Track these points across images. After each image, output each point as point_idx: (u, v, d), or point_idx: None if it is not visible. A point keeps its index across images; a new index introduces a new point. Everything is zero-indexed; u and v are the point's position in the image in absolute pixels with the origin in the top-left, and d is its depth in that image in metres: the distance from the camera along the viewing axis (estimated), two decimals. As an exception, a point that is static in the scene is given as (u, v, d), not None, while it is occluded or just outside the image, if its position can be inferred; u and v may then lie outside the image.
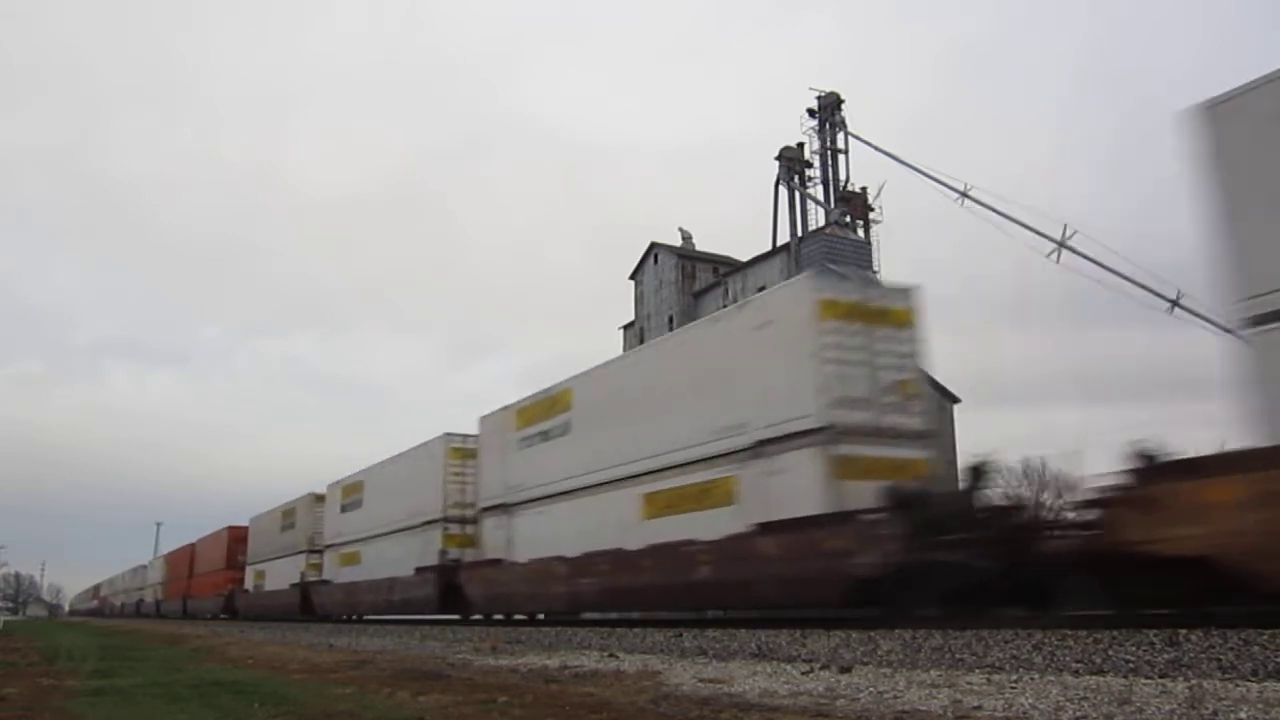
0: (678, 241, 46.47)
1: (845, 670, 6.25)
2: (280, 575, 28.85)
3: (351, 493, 24.27)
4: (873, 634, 7.74)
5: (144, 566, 60.08)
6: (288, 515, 29.20)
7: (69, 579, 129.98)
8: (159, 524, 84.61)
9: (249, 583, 32.85)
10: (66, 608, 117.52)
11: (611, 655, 8.76)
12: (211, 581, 37.59)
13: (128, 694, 6.48)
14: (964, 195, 32.84)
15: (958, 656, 6.62)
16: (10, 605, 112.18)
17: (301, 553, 27.06)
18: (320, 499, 26.65)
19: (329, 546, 24.95)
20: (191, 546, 43.75)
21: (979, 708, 4.27)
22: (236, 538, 35.62)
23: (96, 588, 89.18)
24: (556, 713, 4.81)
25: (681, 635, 9.71)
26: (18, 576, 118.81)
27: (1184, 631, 5.87)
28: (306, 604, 25.88)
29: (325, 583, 24.89)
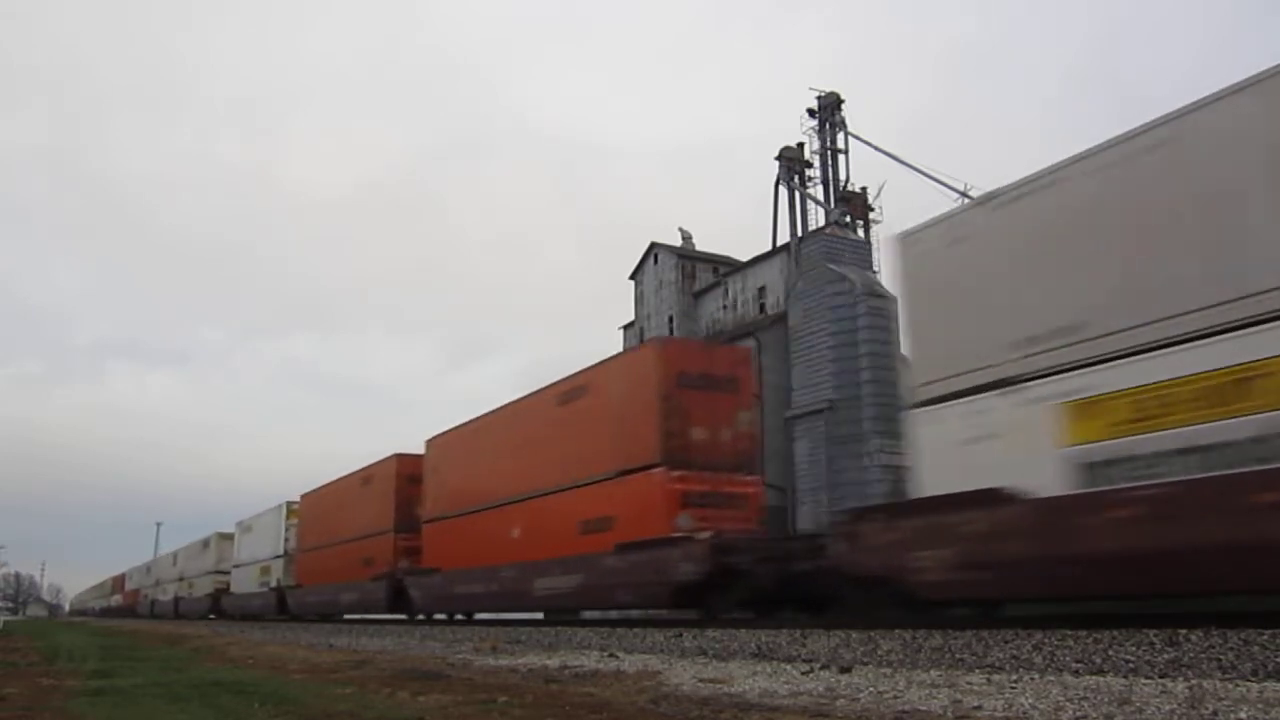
0: (678, 241, 46.45)
1: (845, 670, 6.25)
2: None
3: None
4: (873, 634, 7.75)
5: (227, 536, 35.75)
6: None
7: (69, 579, 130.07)
8: (159, 524, 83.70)
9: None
10: (67, 608, 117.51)
11: (611, 655, 8.76)
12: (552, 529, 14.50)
13: (128, 694, 6.47)
14: (964, 195, 32.86)
15: (958, 656, 6.63)
16: (10, 605, 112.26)
17: None
18: None
19: None
20: (393, 464, 21.31)
21: (979, 708, 4.27)
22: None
23: (120, 579, 67.35)
24: (556, 713, 4.80)
25: (681, 635, 9.73)
26: (18, 576, 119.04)
27: (1184, 631, 5.88)
28: None
29: None
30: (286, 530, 28.74)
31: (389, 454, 22.03)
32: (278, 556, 28.98)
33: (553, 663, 8.06)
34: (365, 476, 23.26)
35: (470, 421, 18.30)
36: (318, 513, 26.73)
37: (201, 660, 10.40)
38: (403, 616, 20.24)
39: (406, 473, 20.84)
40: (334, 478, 26.17)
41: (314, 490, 27.40)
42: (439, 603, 19.00)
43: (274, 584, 28.86)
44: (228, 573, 34.88)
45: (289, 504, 28.96)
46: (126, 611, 57.67)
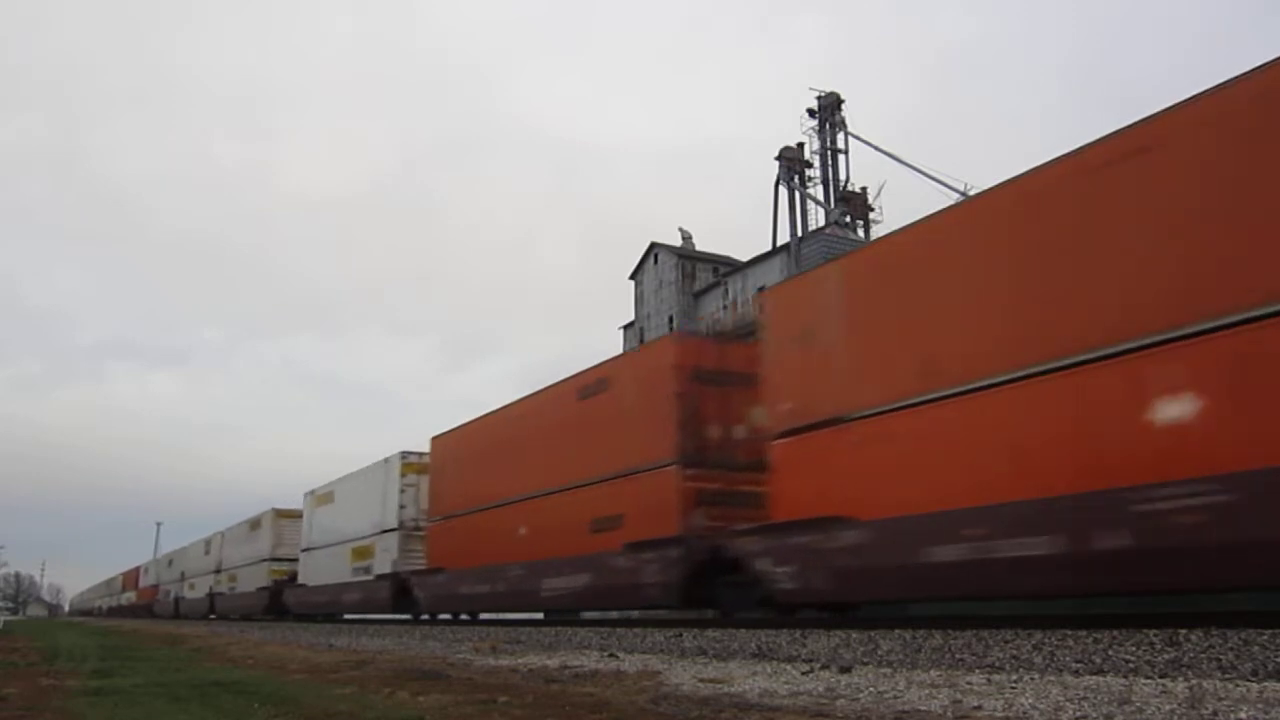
0: (678, 241, 46.50)
1: (845, 670, 6.25)
2: None
3: None
4: (873, 634, 7.75)
5: (288, 513, 27.99)
6: None
7: (69, 579, 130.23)
8: (159, 524, 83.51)
9: None
10: (67, 608, 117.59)
11: (611, 655, 8.77)
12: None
13: (128, 694, 6.47)
14: (964, 195, 32.90)
15: (958, 656, 6.63)
16: (10, 605, 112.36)
17: None
18: None
19: None
20: (671, 350, 12.09)
21: (979, 708, 4.27)
22: None
23: (133, 574, 56.81)
24: (556, 712, 4.81)
25: (681, 635, 9.73)
26: (18, 576, 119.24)
27: (1184, 631, 5.88)
28: None
29: None
30: (402, 493, 20.02)
31: (662, 336, 12.97)
32: (387, 531, 20.19)
33: (553, 663, 8.07)
34: (586, 383, 13.59)
35: (885, 239, 10.69)
36: (472, 458, 17.36)
37: (201, 660, 10.40)
38: (706, 614, 12.27)
39: (692, 365, 11.65)
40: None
41: (458, 428, 18.04)
42: (895, 586, 8.59)
43: (386, 570, 19.86)
44: (291, 560, 27.01)
45: (404, 454, 20.22)
46: (142, 611, 49.17)
